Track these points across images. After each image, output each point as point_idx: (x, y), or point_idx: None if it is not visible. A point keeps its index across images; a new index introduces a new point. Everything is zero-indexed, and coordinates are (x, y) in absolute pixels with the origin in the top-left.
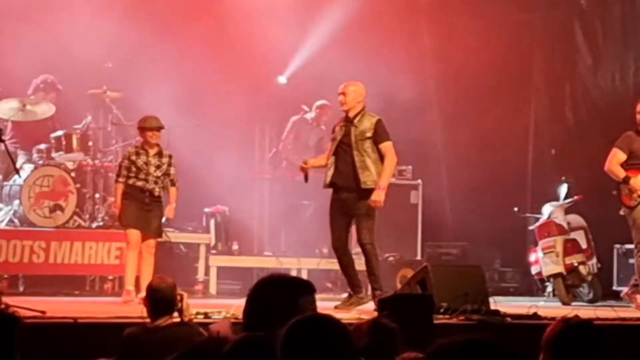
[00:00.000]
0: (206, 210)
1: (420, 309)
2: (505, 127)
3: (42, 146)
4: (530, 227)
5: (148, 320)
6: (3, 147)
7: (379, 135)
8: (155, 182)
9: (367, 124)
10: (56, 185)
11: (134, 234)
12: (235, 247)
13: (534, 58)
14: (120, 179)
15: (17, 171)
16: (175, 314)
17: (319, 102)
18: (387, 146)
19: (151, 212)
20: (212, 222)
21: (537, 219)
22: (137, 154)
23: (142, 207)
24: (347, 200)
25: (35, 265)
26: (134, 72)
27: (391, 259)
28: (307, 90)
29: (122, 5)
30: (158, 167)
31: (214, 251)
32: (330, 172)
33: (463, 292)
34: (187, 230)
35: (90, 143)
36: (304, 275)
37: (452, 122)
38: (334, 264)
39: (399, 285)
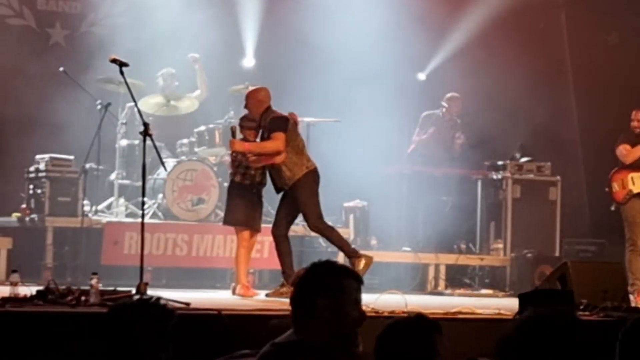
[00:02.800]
0: (345, 204)
1: (560, 305)
2: None
3: (185, 141)
4: None
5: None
6: (149, 141)
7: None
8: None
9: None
10: (199, 179)
11: (245, 231)
12: (373, 241)
13: None
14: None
15: (163, 165)
16: None
17: (447, 95)
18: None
19: (254, 209)
20: (351, 217)
21: None
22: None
23: (249, 205)
24: None
25: (179, 258)
26: (276, 69)
27: (529, 255)
28: (446, 88)
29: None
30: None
31: (353, 246)
32: None
33: (603, 289)
34: None
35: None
36: (442, 271)
37: (591, 118)
38: (472, 260)
39: (537, 282)
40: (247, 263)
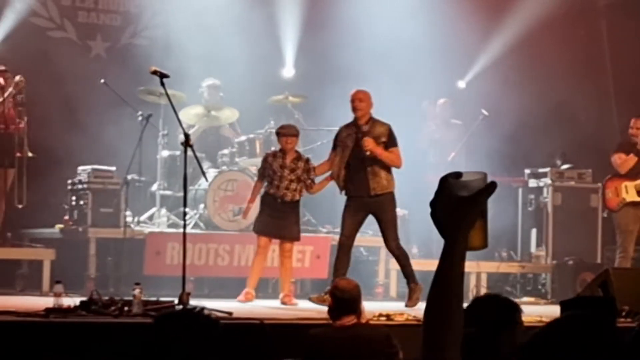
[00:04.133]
0: None
1: (603, 312)
2: None
3: (226, 151)
4: None
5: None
6: (190, 152)
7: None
8: (287, 188)
9: (380, 130)
10: (240, 189)
11: (262, 240)
12: (414, 250)
13: None
14: (258, 178)
15: (204, 175)
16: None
17: (440, 100)
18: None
19: (284, 218)
20: None
21: None
22: (275, 156)
23: (272, 214)
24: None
25: (220, 268)
26: (316, 78)
27: (571, 262)
28: (486, 96)
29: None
30: (292, 170)
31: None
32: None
33: None
34: (367, 234)
35: (272, 147)
36: (483, 279)
37: None
38: (513, 268)
39: (579, 289)
40: (258, 271)
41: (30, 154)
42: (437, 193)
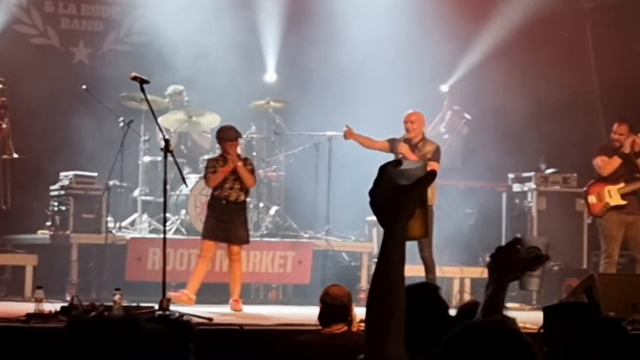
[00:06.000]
0: (368, 219)
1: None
2: None
3: (207, 156)
4: None
5: (319, 327)
6: (171, 158)
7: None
8: (231, 188)
9: (428, 148)
10: None
11: (207, 244)
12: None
13: None
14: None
15: (184, 181)
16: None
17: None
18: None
19: (231, 222)
20: (374, 231)
21: None
22: (217, 161)
23: (220, 218)
24: None
25: None
26: (297, 83)
27: (556, 267)
28: (467, 99)
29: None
30: (234, 171)
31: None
32: None
33: (631, 302)
34: (349, 239)
35: (254, 153)
36: (467, 285)
37: None
38: None
39: (564, 295)
40: (200, 276)
41: (15, 155)
42: (376, 181)
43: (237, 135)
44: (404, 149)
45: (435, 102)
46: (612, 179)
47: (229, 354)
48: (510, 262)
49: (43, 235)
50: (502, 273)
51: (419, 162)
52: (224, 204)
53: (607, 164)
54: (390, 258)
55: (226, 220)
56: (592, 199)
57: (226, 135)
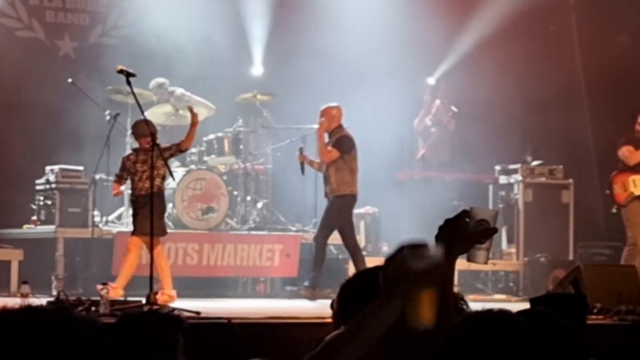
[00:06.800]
0: (356, 211)
1: (573, 309)
2: None
3: (194, 150)
4: None
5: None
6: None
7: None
8: (142, 180)
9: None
10: (208, 188)
11: (134, 239)
12: (385, 248)
13: None
14: (116, 180)
15: (171, 175)
16: None
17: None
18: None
19: (146, 215)
20: (362, 223)
21: None
22: (128, 159)
23: (140, 212)
24: None
25: (189, 267)
26: (284, 76)
27: (543, 259)
28: (456, 91)
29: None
30: (144, 162)
31: (363, 253)
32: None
33: (617, 293)
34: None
35: (241, 146)
36: (455, 277)
37: (603, 121)
38: (483, 266)
39: (550, 286)
40: (127, 270)
41: None
42: (391, 257)
43: (147, 130)
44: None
45: (422, 94)
46: (636, 169)
47: (217, 347)
48: (458, 235)
49: (29, 229)
50: (450, 246)
51: (493, 210)
52: (141, 197)
53: (633, 154)
54: (371, 327)
55: (146, 216)
56: (616, 188)
57: (140, 132)
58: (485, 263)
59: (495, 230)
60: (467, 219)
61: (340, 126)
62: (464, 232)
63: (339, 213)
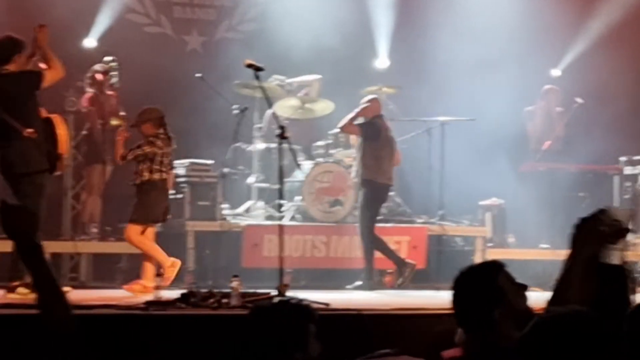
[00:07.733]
0: (481, 203)
1: None
2: None
3: (321, 143)
4: None
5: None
6: (286, 144)
7: None
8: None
9: None
10: (336, 180)
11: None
12: (511, 239)
13: None
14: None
15: (299, 167)
16: None
17: (545, 87)
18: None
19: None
20: (488, 215)
21: None
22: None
23: (145, 199)
24: None
25: (317, 260)
26: (410, 69)
27: None
28: (580, 83)
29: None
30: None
31: (490, 244)
32: None
33: None
34: (463, 223)
35: None
36: None
37: None
38: None
39: None
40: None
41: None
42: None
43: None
44: None
45: (545, 85)
46: None
47: (347, 338)
48: (592, 235)
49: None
50: (581, 245)
51: (628, 210)
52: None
53: None
54: None
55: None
56: None
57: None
58: (621, 263)
59: (628, 231)
60: (602, 218)
61: (378, 116)
62: (598, 233)
63: (365, 202)
